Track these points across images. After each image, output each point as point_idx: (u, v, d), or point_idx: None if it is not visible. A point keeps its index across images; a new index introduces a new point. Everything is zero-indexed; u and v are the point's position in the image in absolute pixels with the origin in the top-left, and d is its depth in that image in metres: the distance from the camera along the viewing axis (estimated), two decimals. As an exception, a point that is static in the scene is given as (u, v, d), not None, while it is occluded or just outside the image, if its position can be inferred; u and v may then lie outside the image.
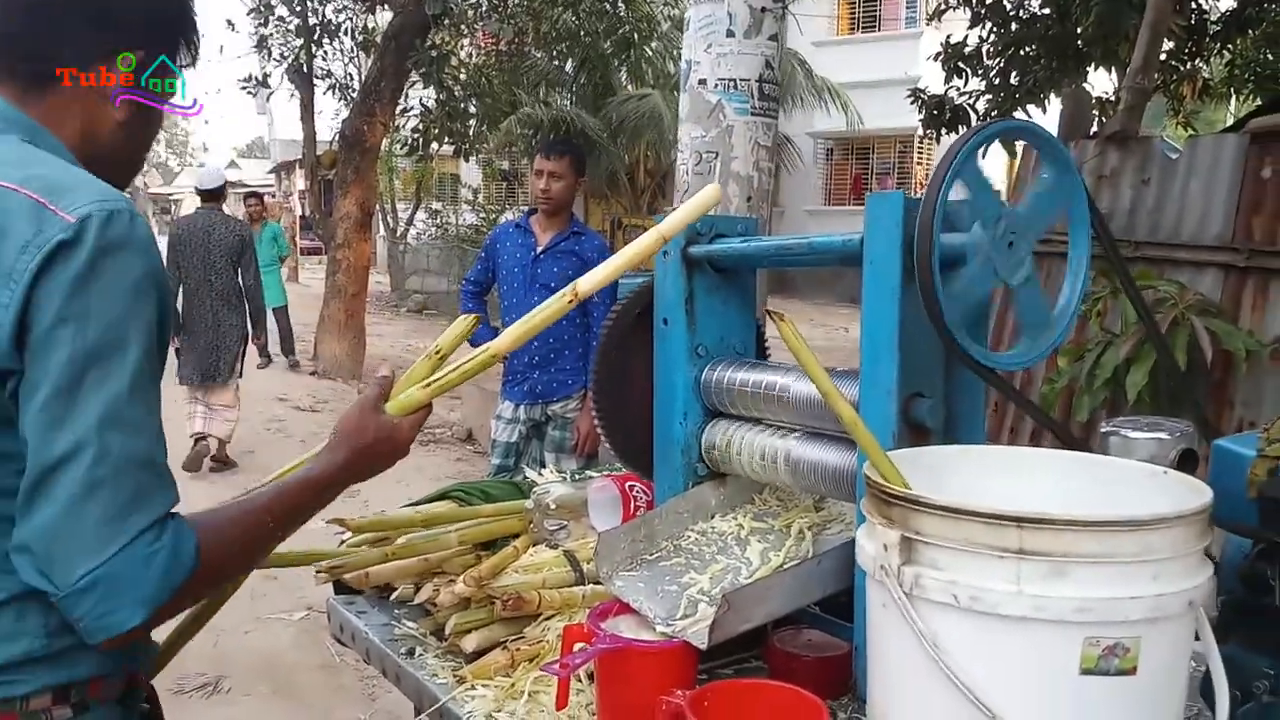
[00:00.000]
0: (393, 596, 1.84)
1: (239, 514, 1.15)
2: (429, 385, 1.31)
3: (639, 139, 17.87)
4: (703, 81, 3.24)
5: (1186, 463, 1.38)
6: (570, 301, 1.34)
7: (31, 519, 0.98)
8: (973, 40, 8.13)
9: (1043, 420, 1.45)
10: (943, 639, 1.09)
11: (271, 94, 12.38)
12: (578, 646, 1.38)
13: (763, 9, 3.18)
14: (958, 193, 1.36)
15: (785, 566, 1.53)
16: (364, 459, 1.26)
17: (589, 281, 1.35)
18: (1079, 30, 7.47)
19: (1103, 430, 1.44)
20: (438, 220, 21.48)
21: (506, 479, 2.37)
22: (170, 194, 51.48)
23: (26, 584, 1.01)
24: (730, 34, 3.18)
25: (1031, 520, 1.04)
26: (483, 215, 19.72)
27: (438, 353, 1.34)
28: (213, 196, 6.79)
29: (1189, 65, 8.60)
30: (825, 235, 1.56)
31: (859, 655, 1.44)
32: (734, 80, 3.20)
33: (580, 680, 1.51)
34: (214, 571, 1.08)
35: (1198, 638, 1.18)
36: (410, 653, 1.69)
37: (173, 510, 1.05)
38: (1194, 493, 1.17)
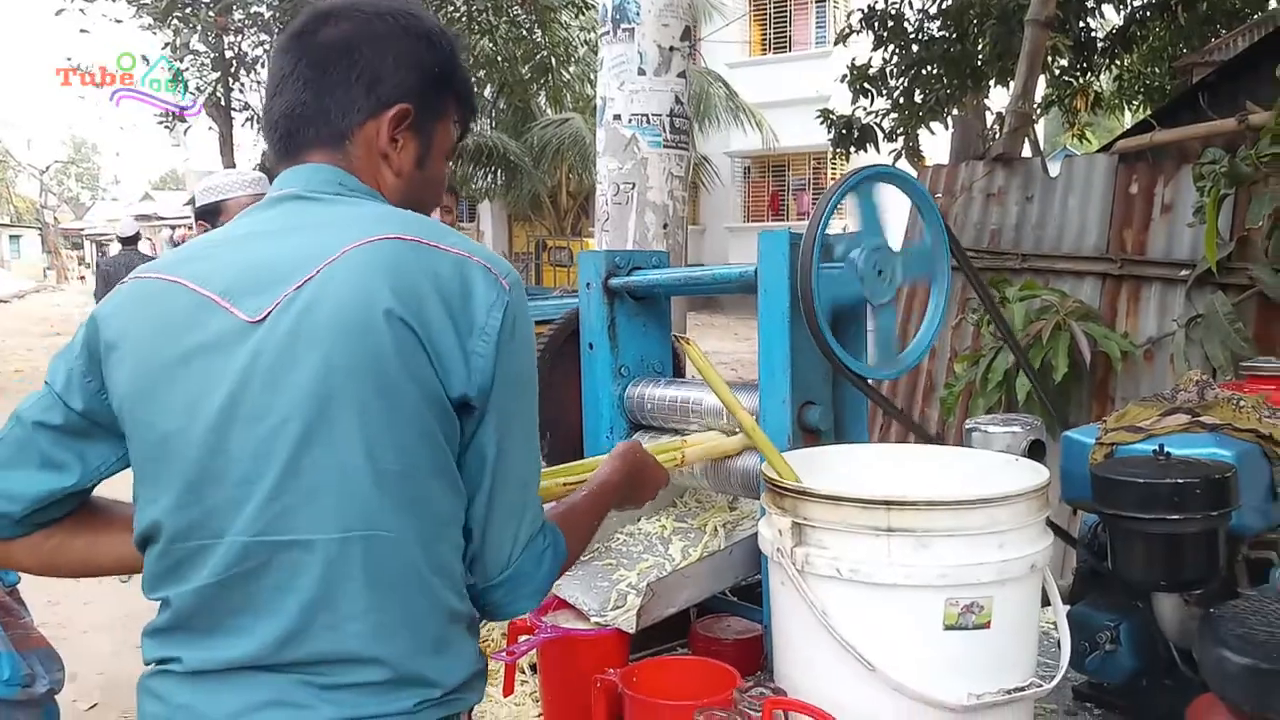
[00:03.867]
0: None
1: (578, 515, 1.32)
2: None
3: (561, 162, 18.05)
4: (617, 117, 3.44)
5: (1035, 451, 1.61)
6: None
7: (477, 536, 1.13)
8: (876, 62, 8.47)
9: (904, 420, 1.68)
10: (830, 607, 1.29)
11: (189, 128, 12.29)
12: (522, 638, 1.56)
13: (670, 48, 3.40)
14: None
15: (701, 558, 1.73)
16: (639, 478, 1.49)
17: None
18: (977, 50, 7.89)
19: (966, 427, 1.67)
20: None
21: None
22: (82, 229, 49.91)
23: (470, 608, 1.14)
24: (641, 72, 3.39)
25: (897, 502, 1.26)
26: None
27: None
28: (130, 241, 8.76)
29: (1081, 80, 9.09)
30: (725, 267, 1.78)
31: (768, 634, 1.62)
32: (646, 115, 3.42)
33: (524, 672, 1.69)
34: (570, 564, 1.26)
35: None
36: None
37: None
38: (1035, 475, 1.39)
